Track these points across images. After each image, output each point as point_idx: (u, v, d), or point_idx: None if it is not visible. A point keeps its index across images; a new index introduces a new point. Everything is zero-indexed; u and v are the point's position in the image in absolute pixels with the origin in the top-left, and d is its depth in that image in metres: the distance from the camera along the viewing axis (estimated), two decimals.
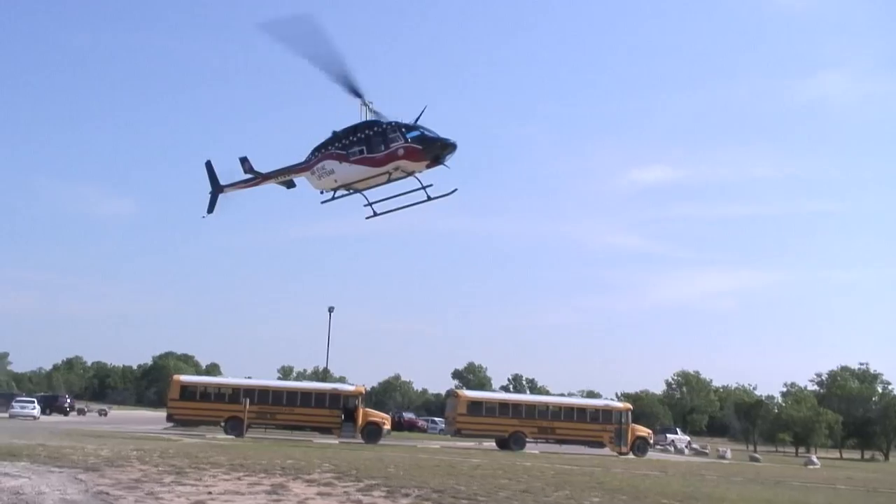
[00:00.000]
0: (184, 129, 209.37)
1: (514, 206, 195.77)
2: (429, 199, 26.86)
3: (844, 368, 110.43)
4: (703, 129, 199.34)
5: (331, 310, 67.72)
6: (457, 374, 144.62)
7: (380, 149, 26.23)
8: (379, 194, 27.04)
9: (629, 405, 54.42)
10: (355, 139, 26.73)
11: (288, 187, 29.19)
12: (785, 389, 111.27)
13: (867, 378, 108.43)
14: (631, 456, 47.84)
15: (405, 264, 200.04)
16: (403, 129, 26.06)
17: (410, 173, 26.20)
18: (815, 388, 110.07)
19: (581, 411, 50.76)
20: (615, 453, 48.18)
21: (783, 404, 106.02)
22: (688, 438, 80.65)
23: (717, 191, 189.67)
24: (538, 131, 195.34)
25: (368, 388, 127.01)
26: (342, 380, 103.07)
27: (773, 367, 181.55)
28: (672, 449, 67.66)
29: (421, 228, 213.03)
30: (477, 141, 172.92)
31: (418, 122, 26.09)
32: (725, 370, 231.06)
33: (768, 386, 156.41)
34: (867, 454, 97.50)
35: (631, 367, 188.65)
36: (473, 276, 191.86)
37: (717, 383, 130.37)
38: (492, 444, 49.76)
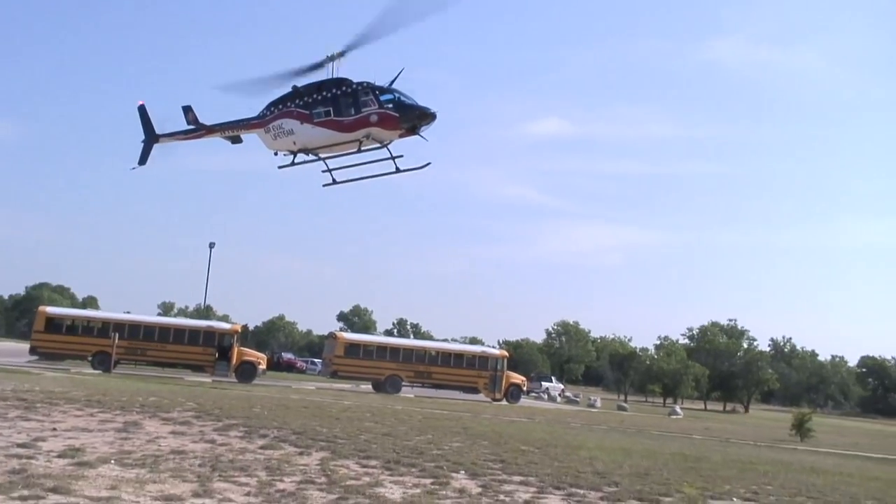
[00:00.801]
0: (77, 55, 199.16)
1: (416, 151, 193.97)
2: (398, 170, 24.57)
3: (714, 324, 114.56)
4: (602, 87, 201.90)
5: (211, 245, 66.24)
6: (342, 317, 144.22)
7: (349, 112, 24.15)
8: (341, 161, 25.00)
9: (505, 352, 55.23)
10: (321, 98, 24.53)
11: (234, 142, 26.91)
12: (658, 342, 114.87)
13: (734, 334, 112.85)
14: (504, 402, 48.71)
15: (299, 203, 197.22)
16: (377, 92, 23.98)
17: (381, 142, 24.17)
18: (687, 341, 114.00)
19: (458, 357, 51.31)
20: (489, 399, 48.95)
21: (655, 356, 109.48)
22: (561, 387, 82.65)
23: (611, 148, 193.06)
24: (447, 76, 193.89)
25: (252, 328, 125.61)
26: (225, 318, 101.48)
27: (650, 322, 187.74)
28: (545, 397, 69.24)
29: (316, 167, 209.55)
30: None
31: (393, 86, 23.97)
32: (605, 322, 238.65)
33: (644, 338, 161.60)
34: (729, 406, 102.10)
35: (515, 316, 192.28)
36: (368, 220, 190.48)
37: (595, 334, 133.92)
38: (369, 387, 49.88)
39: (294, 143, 24.98)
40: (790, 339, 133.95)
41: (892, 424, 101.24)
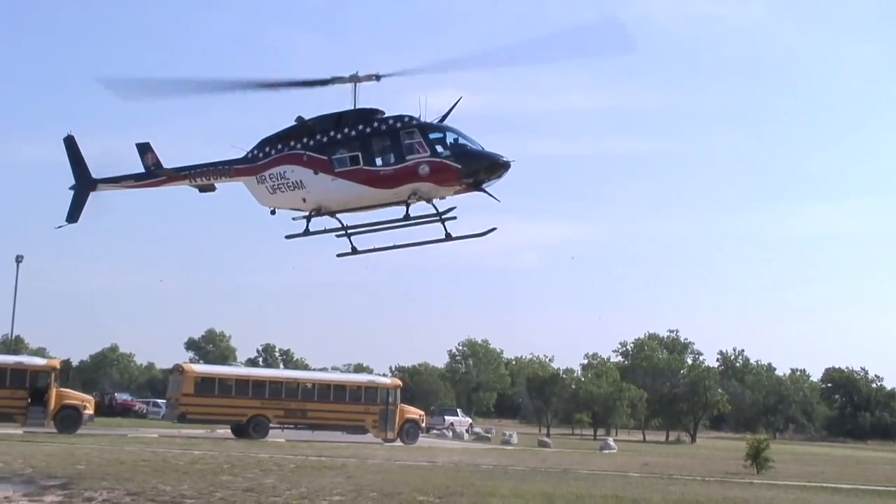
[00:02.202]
0: None
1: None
2: (448, 237, 22.85)
3: (652, 336, 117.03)
4: (509, 48, 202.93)
5: (19, 259, 64.39)
6: (192, 345, 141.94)
7: (388, 159, 22.08)
8: (360, 215, 23.26)
9: (398, 381, 55.30)
10: (343, 137, 22.49)
11: (203, 191, 24.97)
12: (586, 361, 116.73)
13: (676, 347, 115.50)
14: (398, 443, 48.75)
15: (133, 200, 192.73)
16: (428, 132, 22.07)
17: (428, 199, 22.36)
18: (620, 359, 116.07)
19: (339, 389, 51.11)
20: (379, 440, 48.93)
21: (583, 379, 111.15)
22: (469, 421, 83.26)
23: (523, 123, 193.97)
24: (321, 40, 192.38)
25: (75, 363, 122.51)
26: (40, 352, 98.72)
27: (574, 337, 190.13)
28: (450, 434, 69.56)
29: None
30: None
31: (446, 120, 22.21)
32: (520, 340, 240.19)
33: (568, 358, 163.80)
34: (673, 435, 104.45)
35: (411, 337, 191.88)
36: (218, 224, 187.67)
37: (509, 354, 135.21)
38: (227, 431, 49.21)
39: (304, 201, 22.84)
40: (742, 351, 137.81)
41: (864, 448, 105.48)
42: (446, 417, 79.10)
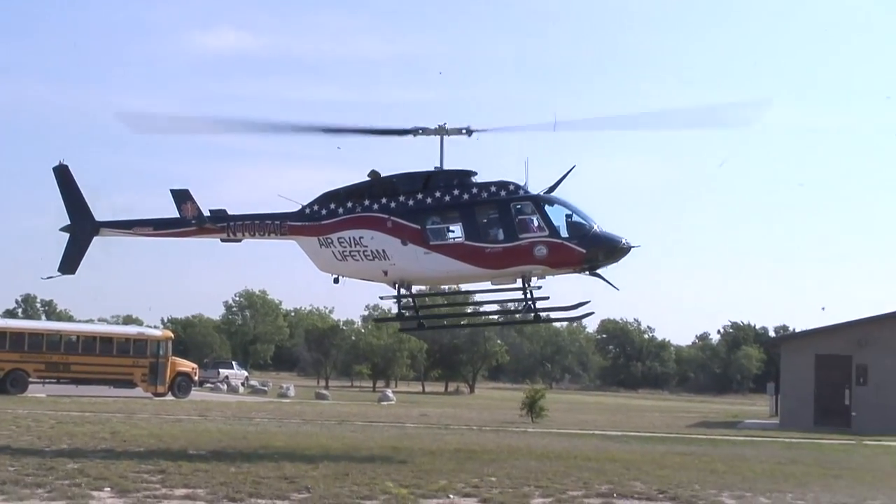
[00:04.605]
0: None
1: (54, 69, 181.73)
2: (537, 319, 21.79)
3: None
4: None
5: None
6: None
7: (496, 234, 20.24)
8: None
9: (170, 333, 54.28)
10: (435, 202, 20.55)
11: (226, 241, 22.33)
12: (366, 313, 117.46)
13: (456, 298, 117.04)
14: (170, 397, 48.03)
15: None
16: (543, 206, 20.28)
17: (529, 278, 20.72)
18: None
19: (106, 342, 49.64)
20: (149, 394, 48.05)
21: (363, 331, 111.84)
22: (245, 374, 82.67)
23: (310, 69, 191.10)
24: None
25: None
26: None
27: (354, 288, 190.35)
28: (225, 387, 68.85)
29: None
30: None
31: (556, 192, 20.56)
32: (300, 291, 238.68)
33: (348, 309, 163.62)
34: (452, 386, 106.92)
35: (184, 287, 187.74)
36: None
37: (287, 306, 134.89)
38: None
39: (385, 274, 20.76)
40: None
41: (636, 397, 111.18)
42: (221, 370, 78.26)
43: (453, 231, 20.62)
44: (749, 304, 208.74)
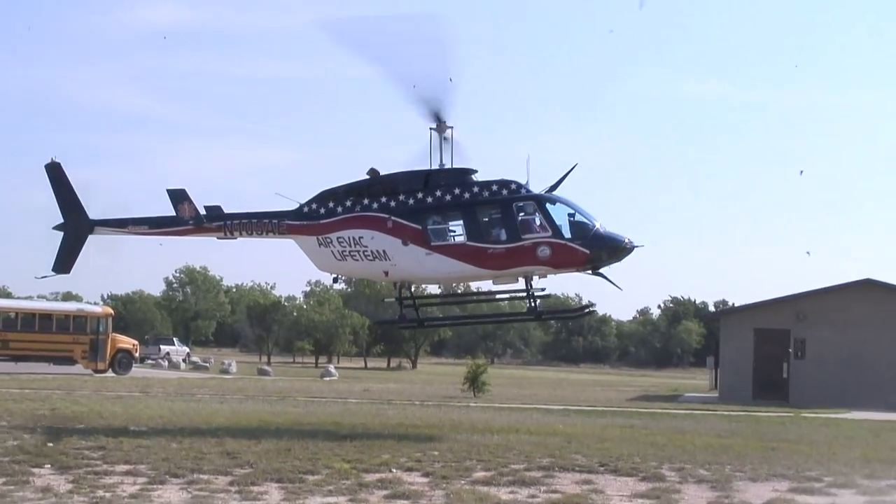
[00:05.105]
0: None
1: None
2: (538, 316, 21.98)
3: None
4: None
5: None
6: None
7: (498, 234, 20.12)
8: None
9: (110, 310, 54.02)
10: (436, 201, 20.36)
11: (222, 238, 22.28)
12: (308, 289, 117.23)
13: None
14: (110, 374, 47.73)
15: None
16: (546, 205, 20.10)
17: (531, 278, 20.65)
18: (342, 287, 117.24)
19: (45, 318, 49.21)
20: (90, 371, 47.72)
21: (305, 307, 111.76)
22: (187, 350, 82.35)
23: (247, 42, 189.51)
24: None
25: None
26: None
27: (296, 264, 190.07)
28: (166, 363, 68.49)
29: None
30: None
31: (557, 190, 20.44)
32: (241, 267, 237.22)
33: (290, 286, 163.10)
34: (395, 362, 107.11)
35: (124, 263, 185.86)
36: None
37: (229, 282, 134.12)
38: None
39: (386, 274, 20.70)
40: None
41: (577, 371, 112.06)
42: (162, 347, 77.88)
43: (454, 231, 20.68)
44: (689, 279, 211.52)
